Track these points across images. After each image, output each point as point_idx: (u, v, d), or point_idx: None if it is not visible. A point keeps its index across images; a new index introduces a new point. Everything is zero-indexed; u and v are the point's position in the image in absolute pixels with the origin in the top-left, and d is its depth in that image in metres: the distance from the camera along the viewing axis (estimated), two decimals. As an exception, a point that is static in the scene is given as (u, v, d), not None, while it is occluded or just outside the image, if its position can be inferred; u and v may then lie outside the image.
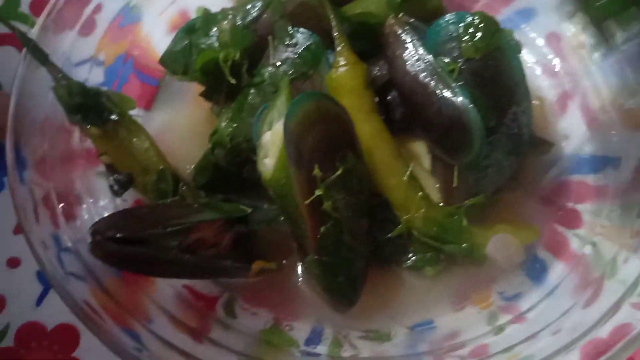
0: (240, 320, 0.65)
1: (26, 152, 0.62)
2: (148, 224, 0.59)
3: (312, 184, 0.57)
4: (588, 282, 0.60)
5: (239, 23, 0.68)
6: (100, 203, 0.67)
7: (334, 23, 0.64)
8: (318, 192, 0.57)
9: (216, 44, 0.68)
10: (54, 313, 0.72)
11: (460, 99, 0.60)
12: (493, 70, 0.62)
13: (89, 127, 0.66)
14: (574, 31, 0.73)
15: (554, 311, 0.60)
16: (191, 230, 0.60)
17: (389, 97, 0.67)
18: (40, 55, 0.64)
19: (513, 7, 0.76)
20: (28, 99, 0.63)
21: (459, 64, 0.62)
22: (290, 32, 0.66)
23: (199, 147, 0.68)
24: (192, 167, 0.69)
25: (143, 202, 0.68)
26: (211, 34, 0.69)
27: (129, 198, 0.68)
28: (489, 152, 0.63)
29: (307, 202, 0.57)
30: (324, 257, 0.59)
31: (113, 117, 0.67)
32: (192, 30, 0.70)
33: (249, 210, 0.63)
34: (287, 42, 0.65)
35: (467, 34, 0.62)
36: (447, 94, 0.61)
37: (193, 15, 0.76)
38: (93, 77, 0.70)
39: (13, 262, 0.75)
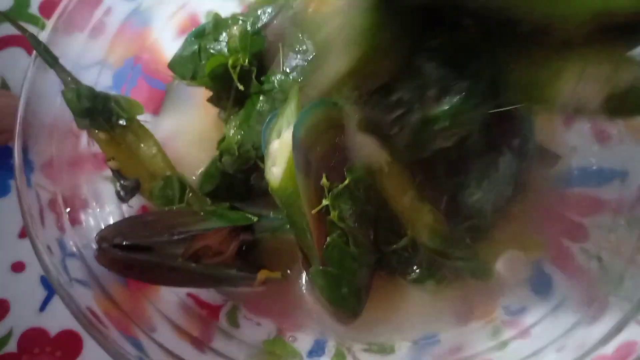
0: (243, 330, 0.65)
1: (33, 155, 0.62)
2: (154, 232, 0.59)
3: (319, 194, 0.57)
4: (594, 297, 0.60)
5: (249, 29, 0.68)
6: (106, 208, 0.67)
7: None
8: (325, 202, 0.57)
9: (225, 49, 0.68)
10: (58, 319, 0.72)
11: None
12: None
13: (97, 131, 0.66)
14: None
15: (558, 327, 0.59)
16: (197, 238, 0.60)
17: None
18: (49, 58, 0.64)
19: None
20: (37, 102, 0.63)
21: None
22: (301, 39, 0.65)
23: (207, 153, 0.69)
24: (199, 173, 0.68)
25: (149, 208, 0.68)
26: (221, 39, 0.69)
27: (135, 204, 0.68)
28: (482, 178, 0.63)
29: (314, 211, 0.57)
30: (329, 267, 0.58)
31: (121, 122, 0.66)
32: (201, 34, 0.70)
33: (255, 219, 0.63)
34: (298, 48, 0.65)
35: None
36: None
37: (202, 19, 0.76)
38: (102, 80, 0.70)
39: (18, 267, 0.75)
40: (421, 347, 0.64)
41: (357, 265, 0.60)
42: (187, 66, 0.70)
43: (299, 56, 0.65)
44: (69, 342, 0.71)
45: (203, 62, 0.69)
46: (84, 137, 0.68)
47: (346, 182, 0.58)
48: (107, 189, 0.67)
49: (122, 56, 0.72)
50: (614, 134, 0.69)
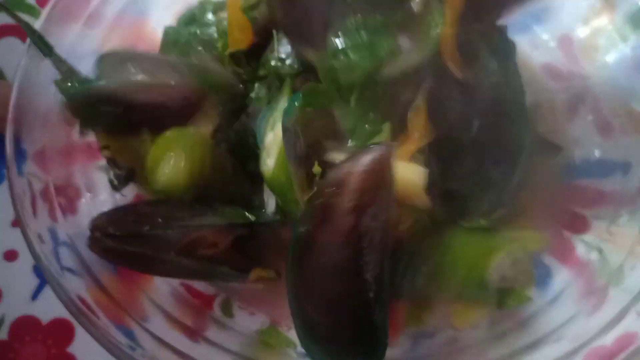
0: (237, 319, 0.65)
1: (26, 144, 0.62)
2: (148, 224, 0.58)
3: (312, 181, 0.56)
4: (593, 289, 0.59)
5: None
6: (99, 198, 0.66)
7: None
8: (317, 188, 0.55)
9: (215, 34, 0.67)
10: (50, 307, 0.71)
11: None
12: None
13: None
14: (587, 34, 0.71)
15: (557, 318, 0.59)
16: (191, 232, 0.59)
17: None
18: (44, 47, 0.63)
19: (525, 9, 0.74)
20: (30, 91, 0.63)
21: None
22: None
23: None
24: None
25: (143, 197, 0.67)
26: (210, 23, 0.68)
27: (129, 193, 0.67)
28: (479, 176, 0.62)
29: (306, 198, 0.56)
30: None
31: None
32: (192, 20, 0.70)
33: (253, 218, 0.61)
34: None
35: None
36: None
37: (199, 9, 0.75)
38: (98, 70, 0.69)
39: (10, 255, 0.75)
40: (417, 338, 0.63)
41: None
42: (180, 50, 0.69)
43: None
44: (61, 331, 0.71)
45: (198, 47, 0.68)
46: (77, 126, 0.67)
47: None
48: (101, 178, 0.67)
49: (118, 46, 0.71)
50: (616, 126, 0.68)
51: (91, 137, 0.67)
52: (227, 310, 0.65)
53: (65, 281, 0.55)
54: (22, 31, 0.65)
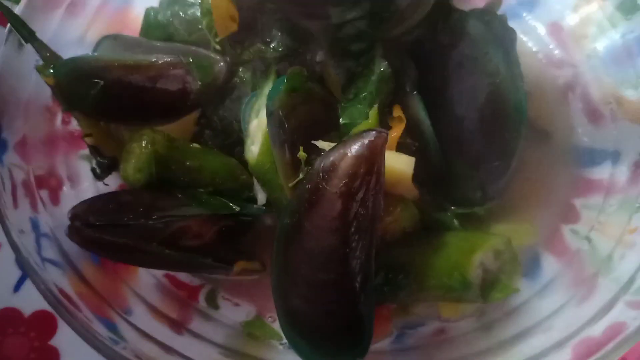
0: (222, 311, 0.64)
1: (7, 134, 0.61)
2: (130, 213, 0.57)
3: (297, 167, 0.55)
4: (582, 278, 0.59)
5: None
6: (82, 187, 0.65)
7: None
8: (302, 175, 0.55)
9: (198, 13, 0.66)
10: (32, 299, 0.70)
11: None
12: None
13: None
14: (576, 21, 0.70)
15: (546, 308, 0.58)
16: (175, 222, 0.58)
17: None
18: (26, 32, 0.62)
19: (515, -4, 0.74)
20: (11, 79, 0.62)
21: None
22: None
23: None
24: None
25: (126, 187, 0.66)
26: (193, 1, 0.67)
27: (112, 183, 0.66)
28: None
29: (290, 185, 0.55)
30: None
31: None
32: (174, 0, 0.69)
33: (237, 209, 0.60)
34: (277, 17, 0.63)
35: None
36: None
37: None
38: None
39: (-8, 247, 0.73)
40: (404, 329, 0.63)
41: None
42: (162, 31, 0.68)
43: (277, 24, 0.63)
44: (44, 323, 0.70)
45: (178, 27, 0.67)
46: (59, 115, 0.66)
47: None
48: (84, 168, 0.66)
49: (102, 34, 0.70)
50: (606, 114, 0.67)
51: (74, 126, 0.66)
52: (212, 301, 0.65)
53: (46, 273, 0.55)
54: (2, 17, 0.63)
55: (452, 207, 0.62)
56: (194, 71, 0.62)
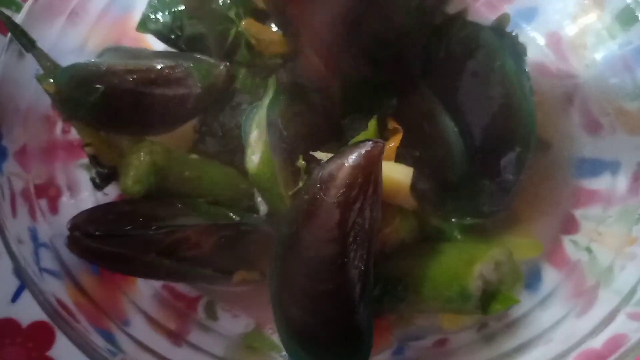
0: (221, 322, 0.64)
1: (7, 142, 0.61)
2: (129, 223, 0.57)
3: (296, 176, 0.56)
4: (583, 290, 0.59)
5: None
6: (81, 196, 0.65)
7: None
8: (301, 183, 0.55)
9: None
10: (30, 310, 0.70)
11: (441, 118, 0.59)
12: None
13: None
14: (575, 32, 0.70)
15: (546, 320, 0.58)
16: (174, 232, 0.58)
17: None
18: (26, 41, 0.62)
19: (514, 7, 0.74)
20: (11, 87, 0.62)
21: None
22: None
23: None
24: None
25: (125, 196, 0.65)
26: None
27: (112, 192, 0.66)
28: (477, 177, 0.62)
29: (290, 193, 0.56)
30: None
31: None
32: None
33: (237, 218, 0.61)
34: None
35: None
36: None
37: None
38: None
39: (-10, 256, 0.73)
40: (404, 340, 0.63)
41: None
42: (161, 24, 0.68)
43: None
44: (41, 334, 0.69)
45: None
46: (59, 124, 0.66)
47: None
48: (83, 177, 0.66)
49: (103, 43, 0.70)
50: (605, 125, 0.67)
51: (73, 135, 0.66)
52: (211, 312, 0.64)
53: (44, 283, 0.54)
54: (3, 25, 0.63)
55: (455, 219, 0.62)
56: (194, 75, 0.62)
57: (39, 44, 0.63)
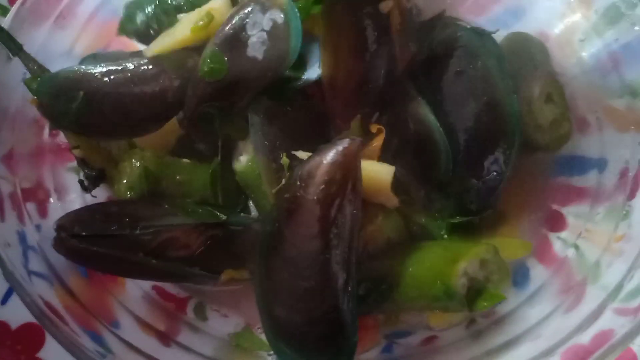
0: (211, 322, 0.64)
1: (-6, 146, 0.60)
2: (116, 223, 0.57)
3: (280, 174, 0.56)
4: (570, 286, 0.59)
5: None
6: (69, 199, 0.65)
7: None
8: (284, 181, 0.55)
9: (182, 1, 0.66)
10: (20, 312, 0.67)
11: (427, 116, 0.59)
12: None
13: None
14: (562, 30, 0.71)
15: (534, 316, 0.58)
16: (161, 232, 0.58)
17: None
18: (13, 45, 0.62)
19: (502, 6, 0.74)
20: (-2, 91, 0.61)
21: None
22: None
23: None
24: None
25: (113, 199, 0.65)
26: None
27: (100, 195, 0.66)
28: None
29: (274, 190, 0.56)
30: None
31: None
32: None
33: (224, 217, 0.60)
34: None
35: None
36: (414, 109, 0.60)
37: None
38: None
39: (-21, 260, 0.72)
40: (392, 338, 0.63)
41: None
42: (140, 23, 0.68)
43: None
44: (31, 336, 0.69)
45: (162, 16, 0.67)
46: (47, 127, 0.66)
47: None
48: (71, 180, 0.66)
49: (91, 47, 0.70)
50: (592, 122, 0.67)
51: (61, 138, 0.66)
52: (200, 313, 0.64)
53: (32, 286, 0.54)
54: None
55: (442, 218, 0.62)
56: (167, 68, 0.62)
57: (27, 48, 0.63)
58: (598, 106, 0.67)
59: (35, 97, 0.61)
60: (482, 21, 0.69)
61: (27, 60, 0.63)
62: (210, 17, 0.61)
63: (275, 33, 0.56)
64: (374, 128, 0.58)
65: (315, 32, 0.59)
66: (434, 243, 0.60)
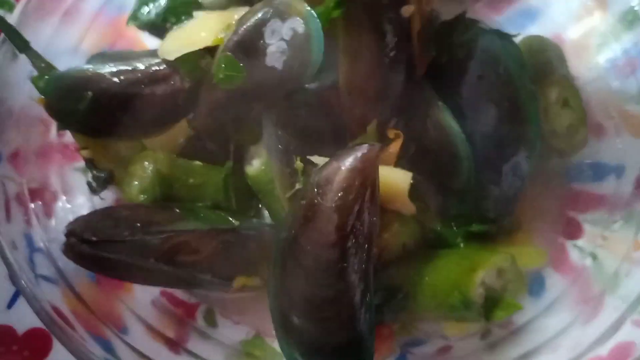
0: (221, 329, 0.63)
1: (0, 145, 0.60)
2: (127, 229, 0.56)
3: (294, 178, 0.55)
4: (588, 296, 0.58)
5: None
6: (77, 201, 0.64)
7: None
8: (298, 186, 0.55)
9: None
10: (26, 317, 0.68)
11: (448, 122, 0.58)
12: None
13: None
14: (579, 33, 0.70)
15: (552, 327, 0.58)
16: (172, 237, 0.57)
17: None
18: (20, 42, 0.61)
19: (516, 8, 0.73)
20: (4, 90, 0.61)
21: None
22: None
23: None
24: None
25: (122, 201, 0.64)
26: None
27: (108, 197, 0.65)
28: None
29: (287, 195, 0.55)
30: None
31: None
32: None
33: (237, 223, 0.60)
34: None
35: None
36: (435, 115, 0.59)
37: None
38: (76, 68, 0.67)
39: (-16, 262, 0.72)
40: (407, 347, 0.62)
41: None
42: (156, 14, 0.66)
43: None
44: (38, 341, 0.68)
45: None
46: (54, 126, 0.65)
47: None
48: (78, 181, 0.65)
49: (97, 43, 0.69)
50: (609, 128, 0.67)
51: (69, 138, 0.65)
52: (210, 319, 0.64)
53: (40, 290, 0.54)
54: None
55: (459, 225, 0.61)
56: (180, 70, 0.61)
57: (33, 45, 0.62)
58: (615, 111, 0.66)
59: (42, 96, 0.60)
60: (496, 24, 0.68)
61: (34, 57, 0.62)
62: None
63: (295, 43, 0.54)
64: (391, 133, 0.57)
65: (332, 35, 0.57)
66: (450, 251, 0.59)
